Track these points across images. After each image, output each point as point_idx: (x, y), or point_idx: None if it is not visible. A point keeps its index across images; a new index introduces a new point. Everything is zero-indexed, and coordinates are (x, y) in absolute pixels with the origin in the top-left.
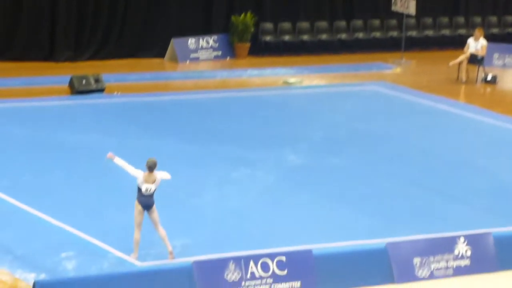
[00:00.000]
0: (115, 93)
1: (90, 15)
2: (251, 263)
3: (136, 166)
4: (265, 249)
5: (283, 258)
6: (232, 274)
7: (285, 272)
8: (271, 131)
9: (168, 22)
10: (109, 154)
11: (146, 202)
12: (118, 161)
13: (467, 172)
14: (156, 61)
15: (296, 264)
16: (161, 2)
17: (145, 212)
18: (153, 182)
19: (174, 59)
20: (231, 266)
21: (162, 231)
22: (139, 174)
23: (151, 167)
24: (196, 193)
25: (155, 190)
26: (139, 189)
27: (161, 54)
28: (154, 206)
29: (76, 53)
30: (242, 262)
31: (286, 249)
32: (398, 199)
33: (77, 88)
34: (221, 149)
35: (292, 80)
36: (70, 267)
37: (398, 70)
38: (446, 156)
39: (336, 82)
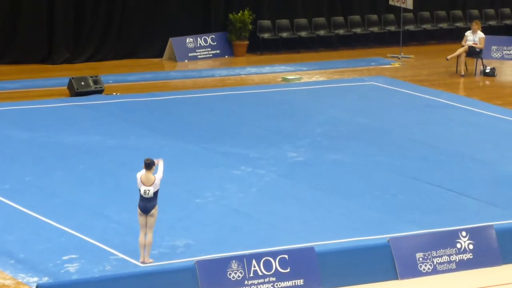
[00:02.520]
0: (114, 93)
1: (88, 16)
2: (254, 262)
3: (137, 166)
4: (267, 248)
5: (286, 256)
6: (235, 273)
7: (287, 270)
8: (271, 129)
9: (166, 21)
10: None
11: (145, 206)
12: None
13: (468, 165)
14: (154, 61)
15: (299, 262)
16: (158, 2)
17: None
18: (151, 184)
19: (173, 59)
20: (234, 265)
21: (150, 238)
22: (138, 175)
23: (148, 165)
24: (198, 192)
25: (155, 193)
26: (140, 192)
27: (160, 54)
28: (155, 211)
29: (74, 55)
30: (244, 261)
31: (289, 247)
32: (399, 193)
33: (76, 90)
34: (221, 148)
35: (291, 77)
36: (72, 270)
37: (396, 64)
38: (446, 149)
39: (335, 78)
